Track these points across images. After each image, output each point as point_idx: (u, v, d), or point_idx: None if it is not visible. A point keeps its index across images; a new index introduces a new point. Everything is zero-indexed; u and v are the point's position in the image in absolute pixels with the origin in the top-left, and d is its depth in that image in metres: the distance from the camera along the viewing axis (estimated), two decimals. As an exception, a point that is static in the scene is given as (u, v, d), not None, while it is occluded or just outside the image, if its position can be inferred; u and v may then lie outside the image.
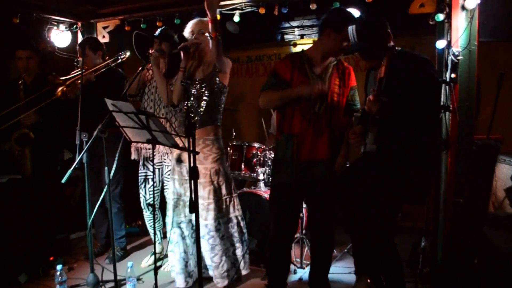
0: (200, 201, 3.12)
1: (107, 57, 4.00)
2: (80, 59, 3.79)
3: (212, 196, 3.15)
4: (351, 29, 2.55)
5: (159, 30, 3.56)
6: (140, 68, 3.33)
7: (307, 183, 2.90)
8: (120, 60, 3.90)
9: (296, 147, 2.86)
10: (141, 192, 3.77)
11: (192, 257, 3.30)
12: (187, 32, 3.25)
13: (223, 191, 3.22)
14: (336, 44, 2.80)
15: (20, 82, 3.89)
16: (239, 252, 3.32)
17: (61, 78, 3.65)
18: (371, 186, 2.59)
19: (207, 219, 3.15)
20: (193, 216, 3.19)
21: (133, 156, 3.75)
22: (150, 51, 3.29)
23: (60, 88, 3.61)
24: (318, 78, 2.87)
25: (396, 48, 2.59)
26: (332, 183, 2.88)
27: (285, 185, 2.93)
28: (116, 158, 3.29)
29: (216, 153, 3.19)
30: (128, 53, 3.87)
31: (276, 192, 3.04)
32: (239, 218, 3.34)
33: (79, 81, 3.52)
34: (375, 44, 2.55)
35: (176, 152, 3.26)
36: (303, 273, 3.55)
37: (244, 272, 3.38)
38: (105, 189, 3.23)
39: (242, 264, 3.33)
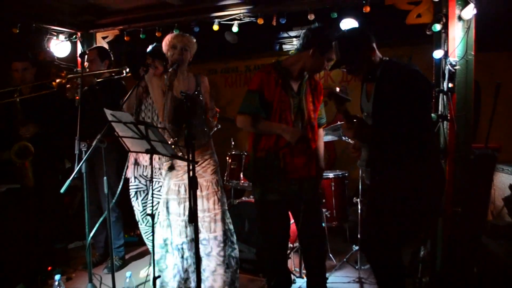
0: (206, 214, 3.11)
1: (113, 69, 4.01)
2: (80, 68, 3.80)
3: (217, 206, 3.14)
4: (334, 44, 2.53)
5: (150, 47, 3.54)
6: (134, 87, 3.30)
7: (297, 198, 2.89)
8: (124, 74, 3.91)
9: (283, 165, 2.81)
10: (134, 205, 3.74)
11: (193, 275, 3.22)
12: (166, 46, 3.14)
13: (225, 201, 3.23)
14: (319, 63, 2.79)
15: (15, 94, 3.87)
16: (233, 263, 3.25)
17: (64, 73, 3.64)
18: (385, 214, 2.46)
19: (215, 231, 3.12)
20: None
21: (129, 174, 3.70)
22: (142, 69, 3.24)
23: (58, 80, 3.58)
24: (296, 95, 2.86)
25: (384, 58, 2.52)
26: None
27: (275, 202, 2.90)
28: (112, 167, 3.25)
29: (214, 165, 3.21)
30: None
31: (265, 210, 2.96)
32: (232, 231, 3.28)
33: (79, 83, 3.52)
34: (357, 58, 2.47)
35: (177, 174, 3.19)
36: (302, 282, 3.54)
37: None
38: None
39: (236, 276, 3.26)
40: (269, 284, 3.14)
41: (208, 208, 3.13)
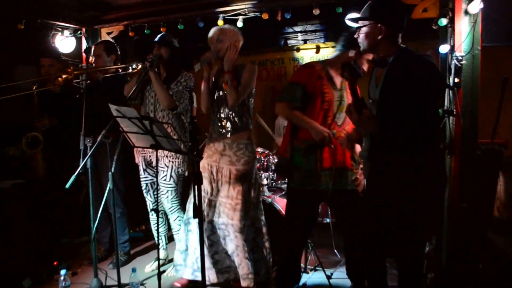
0: (228, 201, 3.19)
1: (119, 63, 4.02)
2: (84, 64, 3.82)
3: (240, 196, 3.19)
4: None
5: (159, 35, 3.58)
6: (142, 73, 3.35)
7: (332, 190, 2.92)
8: (130, 70, 3.92)
9: (319, 155, 2.89)
10: (148, 197, 3.79)
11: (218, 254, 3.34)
12: (209, 41, 3.24)
13: (252, 193, 3.28)
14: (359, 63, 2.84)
15: (34, 87, 3.94)
16: (260, 256, 3.34)
17: (71, 69, 3.66)
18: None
19: (233, 219, 3.19)
20: (214, 218, 3.27)
21: (137, 159, 3.76)
22: (148, 56, 3.34)
23: (64, 76, 3.61)
24: (339, 90, 2.95)
25: (401, 45, 2.44)
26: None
27: (308, 192, 2.95)
28: (114, 163, 3.28)
29: (249, 156, 3.24)
30: (140, 66, 3.76)
31: (297, 198, 3.05)
32: (262, 223, 3.38)
33: (85, 79, 3.56)
34: (385, 25, 2.37)
35: (210, 155, 3.29)
36: (308, 278, 3.55)
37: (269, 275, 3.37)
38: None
39: (263, 270, 3.33)
40: (278, 276, 3.21)
41: (231, 196, 3.19)
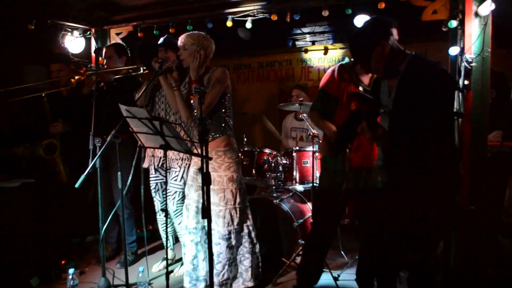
0: (213, 207, 3.13)
1: (130, 65, 4.06)
2: (94, 64, 3.84)
3: (223, 203, 3.17)
4: (348, 44, 2.52)
5: (162, 38, 3.55)
6: (150, 78, 3.33)
7: (360, 190, 2.97)
8: (141, 71, 3.95)
9: (347, 156, 2.95)
10: (156, 197, 3.81)
11: (203, 263, 3.29)
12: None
13: (237, 199, 3.22)
14: None
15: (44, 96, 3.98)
16: (247, 263, 3.30)
17: (83, 69, 3.69)
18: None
19: (218, 226, 3.17)
20: (206, 223, 3.19)
21: (146, 164, 3.75)
22: (154, 61, 3.26)
23: (77, 77, 3.65)
24: (367, 87, 2.97)
25: (410, 52, 2.40)
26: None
27: (332, 192, 2.98)
28: (133, 164, 3.29)
29: (229, 162, 3.19)
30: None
31: (324, 196, 3.12)
32: (250, 228, 3.33)
33: (95, 78, 3.59)
34: (372, 58, 2.36)
35: (196, 162, 3.27)
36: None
37: (250, 284, 3.30)
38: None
39: (248, 275, 3.30)
40: (298, 275, 3.26)
41: (215, 202, 3.16)
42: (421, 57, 2.38)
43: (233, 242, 3.21)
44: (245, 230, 3.29)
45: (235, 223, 3.21)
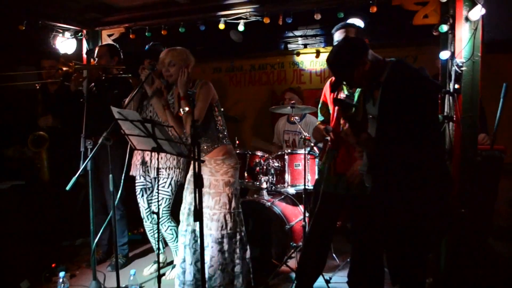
0: (207, 211, 3.14)
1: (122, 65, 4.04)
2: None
3: (218, 206, 3.15)
4: (328, 65, 2.48)
5: (147, 46, 3.53)
6: (137, 87, 3.29)
7: (347, 194, 2.97)
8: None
9: (334, 160, 3.00)
10: (140, 202, 3.76)
11: (190, 267, 3.26)
12: (159, 65, 3.11)
13: (232, 204, 3.21)
14: None
15: (38, 89, 3.95)
16: (238, 269, 3.27)
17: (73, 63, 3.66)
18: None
19: (211, 229, 3.15)
20: (196, 226, 3.20)
21: (133, 172, 3.72)
22: (140, 69, 3.20)
23: (65, 69, 3.61)
24: (350, 93, 2.94)
25: (389, 60, 2.40)
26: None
27: (328, 194, 2.98)
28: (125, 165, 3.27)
29: (227, 167, 3.18)
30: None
31: (318, 199, 3.08)
32: (243, 234, 3.31)
33: (84, 76, 3.61)
34: (354, 75, 2.37)
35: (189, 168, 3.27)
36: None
37: None
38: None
39: (240, 281, 3.27)
40: (297, 274, 3.27)
41: (210, 206, 3.15)
42: (401, 64, 2.39)
43: (226, 247, 3.19)
44: (237, 237, 3.26)
45: (228, 227, 3.19)
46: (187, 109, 2.95)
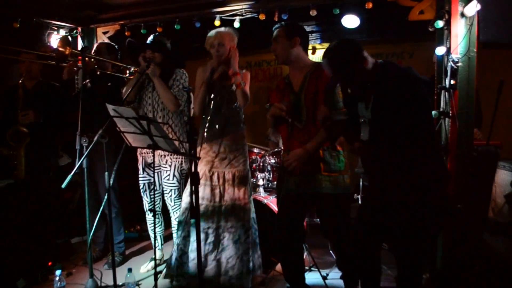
0: (237, 202, 3.26)
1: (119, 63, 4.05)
2: (80, 64, 3.76)
3: (247, 196, 3.30)
4: (324, 63, 2.47)
5: (151, 37, 3.56)
6: (138, 76, 3.33)
7: (307, 195, 2.92)
8: (127, 74, 3.94)
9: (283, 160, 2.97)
10: (144, 197, 3.78)
11: (212, 262, 3.30)
12: (207, 45, 3.28)
13: (251, 193, 3.40)
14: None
15: (19, 84, 3.88)
16: (256, 256, 3.38)
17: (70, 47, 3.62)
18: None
19: (244, 219, 3.23)
20: (221, 222, 3.27)
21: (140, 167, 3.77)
22: (140, 58, 3.43)
23: (61, 49, 3.55)
24: (296, 93, 2.92)
25: (379, 61, 2.43)
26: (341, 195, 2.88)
27: (285, 197, 2.97)
28: (115, 164, 3.25)
29: (245, 157, 3.35)
30: (137, 68, 3.70)
31: (280, 200, 3.10)
32: (253, 221, 3.42)
33: (78, 67, 3.63)
34: (350, 73, 2.39)
35: (209, 162, 3.32)
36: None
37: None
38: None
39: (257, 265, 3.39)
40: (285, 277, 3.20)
41: (239, 197, 3.28)
42: (389, 65, 2.41)
43: (243, 238, 3.26)
44: (255, 225, 3.40)
45: (245, 219, 3.28)
46: (244, 83, 3.21)
